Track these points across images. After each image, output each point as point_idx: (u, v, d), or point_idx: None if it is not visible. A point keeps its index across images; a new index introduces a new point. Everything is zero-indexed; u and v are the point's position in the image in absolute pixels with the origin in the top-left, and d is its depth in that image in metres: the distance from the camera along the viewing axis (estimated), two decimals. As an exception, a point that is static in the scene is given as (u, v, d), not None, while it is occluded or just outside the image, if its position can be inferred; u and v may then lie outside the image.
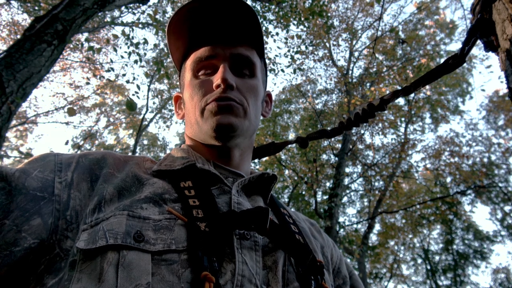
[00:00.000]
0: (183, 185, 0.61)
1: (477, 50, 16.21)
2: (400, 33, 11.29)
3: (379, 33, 9.59)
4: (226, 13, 0.70)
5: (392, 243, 13.37)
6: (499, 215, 14.02)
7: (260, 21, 0.74)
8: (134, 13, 7.46)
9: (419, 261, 15.53)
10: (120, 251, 0.47)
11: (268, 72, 0.87)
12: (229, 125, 0.66)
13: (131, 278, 0.45)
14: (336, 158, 10.03)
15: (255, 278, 0.52)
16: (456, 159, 11.04)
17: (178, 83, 0.87)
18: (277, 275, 0.55)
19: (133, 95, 6.33)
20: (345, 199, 12.86)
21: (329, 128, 0.94)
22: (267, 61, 9.05)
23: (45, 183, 0.57)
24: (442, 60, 0.83)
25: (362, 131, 10.28)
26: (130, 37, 6.16)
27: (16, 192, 0.54)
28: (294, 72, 9.02)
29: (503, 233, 14.16)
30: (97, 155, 0.66)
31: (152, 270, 0.47)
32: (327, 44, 11.04)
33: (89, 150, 0.70)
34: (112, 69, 6.38)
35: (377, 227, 13.02)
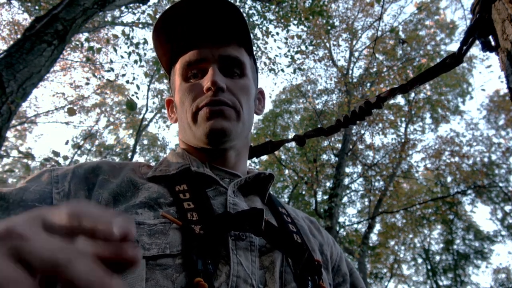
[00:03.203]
0: (178, 189, 0.61)
1: (478, 50, 16.20)
2: (400, 33, 11.29)
3: (379, 33, 9.59)
4: (211, 13, 0.70)
5: (392, 243, 13.37)
6: (500, 215, 14.03)
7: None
8: (134, 13, 7.47)
9: (420, 261, 15.54)
10: None
11: (258, 69, 0.87)
12: (222, 130, 0.66)
13: (125, 284, 0.45)
14: (336, 158, 10.03)
15: (251, 278, 0.52)
16: (457, 159, 11.04)
17: (169, 86, 0.86)
18: (275, 276, 0.55)
19: (132, 95, 6.34)
20: (345, 199, 12.86)
21: (326, 127, 0.93)
22: (267, 61, 9.07)
23: (43, 195, 0.57)
24: (441, 60, 0.83)
25: (362, 131, 10.29)
26: (130, 37, 6.16)
27: (13, 207, 0.55)
28: (294, 72, 9.02)
29: (503, 233, 14.17)
30: (92, 164, 0.67)
31: (146, 275, 0.47)
32: (327, 44, 11.04)
33: (84, 162, 0.70)
34: (112, 69, 6.38)
35: (378, 227, 13.03)
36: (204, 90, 0.68)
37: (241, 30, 0.73)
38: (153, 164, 0.74)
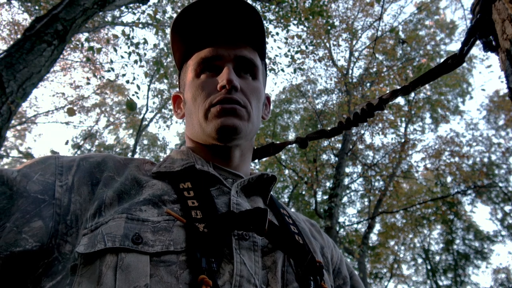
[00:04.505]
0: (182, 187, 0.61)
1: (477, 50, 16.22)
2: (400, 33, 11.28)
3: (379, 33, 9.59)
4: (230, 14, 0.70)
5: (392, 243, 13.37)
6: (500, 215, 14.03)
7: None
8: (134, 13, 7.46)
9: (420, 261, 15.54)
10: (119, 254, 0.48)
11: (267, 74, 0.87)
12: (233, 127, 0.66)
13: (129, 280, 0.46)
14: (336, 158, 10.03)
15: (254, 278, 0.52)
16: (457, 159, 11.04)
17: (177, 82, 0.86)
18: (277, 276, 0.55)
19: (133, 95, 6.34)
20: (345, 199, 12.87)
21: (328, 128, 0.93)
22: (267, 61, 9.07)
23: (46, 186, 0.57)
24: (442, 60, 0.83)
25: (362, 131, 10.28)
26: (130, 37, 6.16)
27: (17, 196, 0.54)
28: (294, 72, 9.02)
29: (503, 233, 14.17)
30: (98, 158, 0.66)
31: (150, 271, 0.47)
32: (327, 44, 11.04)
33: (89, 152, 0.70)
34: (112, 69, 6.38)
35: (377, 227, 13.04)
36: (218, 88, 0.68)
37: (257, 34, 0.74)
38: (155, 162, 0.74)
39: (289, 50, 8.55)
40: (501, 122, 12.57)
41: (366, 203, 13.02)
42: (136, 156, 12.82)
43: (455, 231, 14.53)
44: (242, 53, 0.72)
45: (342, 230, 10.88)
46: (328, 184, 11.30)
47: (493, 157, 12.30)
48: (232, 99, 0.67)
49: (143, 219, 0.53)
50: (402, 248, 14.34)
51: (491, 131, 12.74)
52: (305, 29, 8.71)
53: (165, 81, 12.27)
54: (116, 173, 0.63)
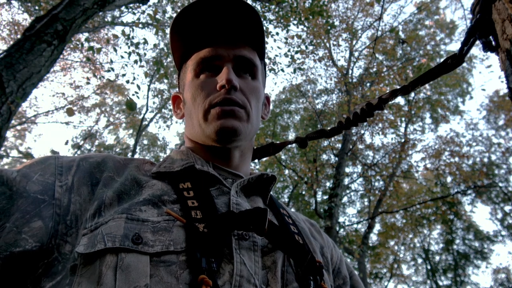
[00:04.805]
0: (182, 187, 0.61)
1: (477, 50, 16.21)
2: (400, 33, 11.28)
3: (379, 33, 9.59)
4: (229, 14, 0.70)
5: (392, 243, 13.37)
6: (500, 215, 14.03)
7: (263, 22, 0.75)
8: (134, 13, 7.46)
9: (420, 261, 15.54)
10: (119, 254, 0.48)
11: (267, 74, 0.88)
12: (232, 129, 0.66)
13: (129, 280, 0.46)
14: (336, 158, 10.03)
15: (253, 278, 0.53)
16: (456, 159, 11.04)
17: (177, 82, 0.86)
18: (276, 275, 0.55)
19: (133, 95, 6.33)
20: (345, 199, 12.87)
21: (328, 128, 0.93)
22: (267, 61, 9.07)
23: (45, 186, 0.57)
24: (442, 60, 0.83)
25: (362, 131, 10.28)
26: (130, 37, 6.16)
27: (17, 196, 0.54)
28: (294, 72, 9.02)
29: (503, 233, 14.17)
30: (98, 158, 0.66)
31: (150, 271, 0.47)
32: (327, 44, 11.03)
33: (89, 153, 0.70)
34: (112, 69, 6.37)
35: (377, 227, 13.04)
36: (217, 87, 0.68)
37: (256, 34, 0.74)
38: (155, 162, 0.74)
39: (289, 50, 8.55)
40: (501, 122, 12.58)
41: (366, 203, 13.04)
42: (136, 156, 12.82)
43: (455, 231, 14.53)
44: (242, 53, 0.72)
45: (342, 230, 10.88)
46: (328, 184, 11.30)
47: (493, 157, 12.32)
48: (232, 100, 0.67)
49: (143, 219, 0.53)
50: (402, 248, 14.35)
51: (491, 131, 12.76)
52: (305, 29, 8.71)
53: (165, 81, 12.27)
54: (116, 173, 0.63)
